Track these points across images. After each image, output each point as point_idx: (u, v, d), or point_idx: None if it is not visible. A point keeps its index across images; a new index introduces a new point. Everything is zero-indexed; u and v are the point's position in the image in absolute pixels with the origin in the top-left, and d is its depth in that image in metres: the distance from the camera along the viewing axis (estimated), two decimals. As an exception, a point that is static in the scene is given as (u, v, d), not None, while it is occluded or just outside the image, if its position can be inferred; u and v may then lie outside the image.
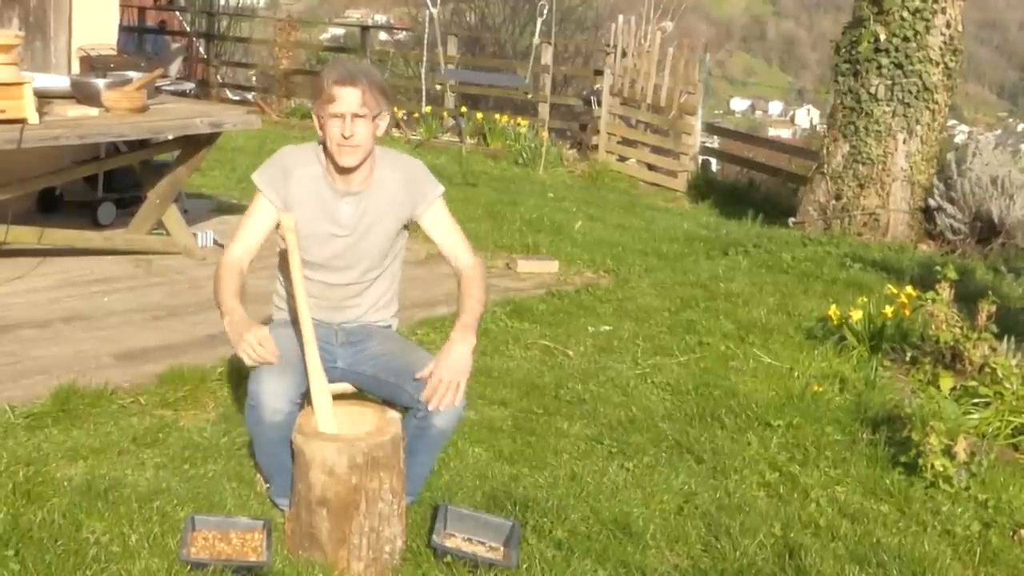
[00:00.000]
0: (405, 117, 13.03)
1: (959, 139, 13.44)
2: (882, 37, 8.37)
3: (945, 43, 8.40)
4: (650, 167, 11.93)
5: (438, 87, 13.18)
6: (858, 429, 4.22)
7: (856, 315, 5.15)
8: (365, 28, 15.73)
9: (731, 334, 5.38)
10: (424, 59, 12.54)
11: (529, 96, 12.95)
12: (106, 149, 6.46)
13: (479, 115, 12.97)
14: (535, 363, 4.86)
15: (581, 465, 3.77)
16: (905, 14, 8.32)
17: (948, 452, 3.75)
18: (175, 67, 9.18)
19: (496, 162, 11.75)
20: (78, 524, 3.03)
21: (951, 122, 15.40)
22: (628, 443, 3.99)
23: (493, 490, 3.47)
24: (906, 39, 8.33)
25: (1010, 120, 44.38)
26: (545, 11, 10.98)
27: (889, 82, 8.39)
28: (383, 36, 21.28)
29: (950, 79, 8.55)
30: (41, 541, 2.90)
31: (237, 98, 15.37)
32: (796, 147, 14.02)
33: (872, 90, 8.45)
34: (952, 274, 4.92)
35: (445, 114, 13.22)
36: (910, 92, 8.38)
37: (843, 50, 8.68)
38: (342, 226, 3.16)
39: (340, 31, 25.69)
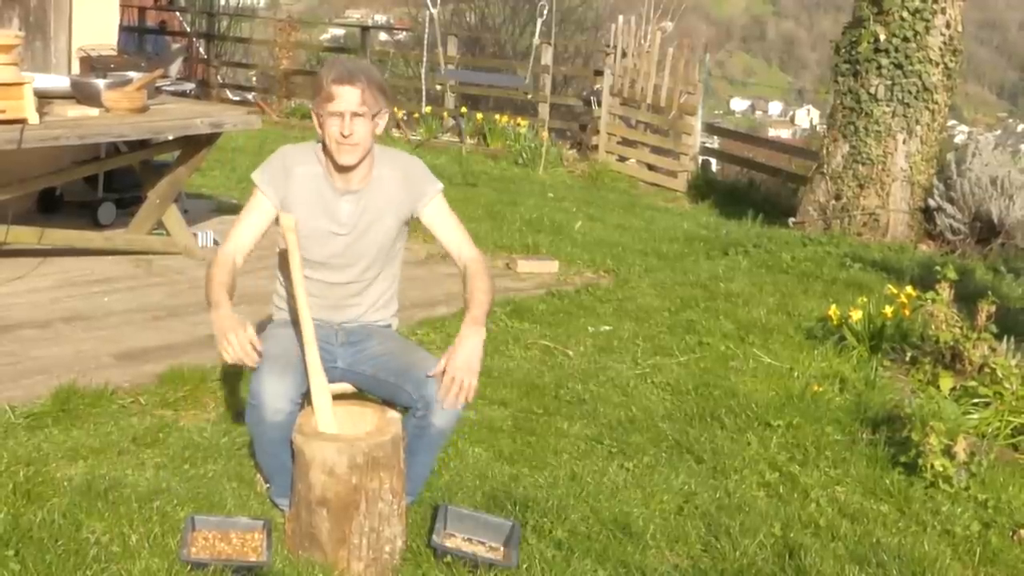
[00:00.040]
0: (405, 117, 13.03)
1: (959, 139, 13.45)
2: (882, 37, 8.37)
3: (945, 43, 8.40)
4: (650, 167, 11.93)
5: (438, 87, 13.18)
6: (858, 429, 4.22)
7: (856, 315, 5.15)
8: (365, 28, 15.74)
9: (731, 334, 5.38)
10: (424, 59, 12.53)
11: (529, 96, 12.96)
12: (106, 149, 6.46)
13: (479, 115, 12.98)
14: (535, 363, 4.86)
15: (581, 465, 3.77)
16: (905, 14, 8.32)
17: (948, 452, 3.75)
18: (175, 67, 9.20)
19: (496, 162, 11.75)
20: (78, 524, 3.03)
21: (951, 122, 15.41)
22: (628, 443, 3.99)
23: (493, 490, 3.47)
24: (906, 39, 8.33)
25: (1010, 120, 44.41)
26: (545, 11, 10.98)
27: (889, 82, 8.39)
28: (383, 36, 21.31)
29: (950, 79, 8.55)
30: (41, 541, 2.90)
31: (237, 98, 15.37)
32: (796, 147, 14.03)
33: (872, 90, 8.45)
34: (952, 274, 4.92)
35: (445, 114, 13.22)
36: (910, 92, 8.38)
37: (843, 50, 8.69)
38: (342, 224, 3.16)
39: (340, 31, 25.68)
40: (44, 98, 5.40)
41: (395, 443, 2.96)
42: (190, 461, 3.55)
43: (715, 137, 13.28)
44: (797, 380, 4.73)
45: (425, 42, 12.04)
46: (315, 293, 3.16)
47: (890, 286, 5.40)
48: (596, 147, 12.22)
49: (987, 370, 4.50)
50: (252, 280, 4.99)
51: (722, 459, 3.88)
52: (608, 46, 12.47)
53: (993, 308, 4.71)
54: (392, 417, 3.06)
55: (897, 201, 8.51)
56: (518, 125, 12.64)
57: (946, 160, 8.71)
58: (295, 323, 3.11)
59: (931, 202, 8.45)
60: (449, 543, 3.10)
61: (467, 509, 3.25)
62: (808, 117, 34.49)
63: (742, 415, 4.27)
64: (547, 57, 12.80)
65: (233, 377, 4.20)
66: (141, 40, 15.40)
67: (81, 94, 5.68)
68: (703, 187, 11.19)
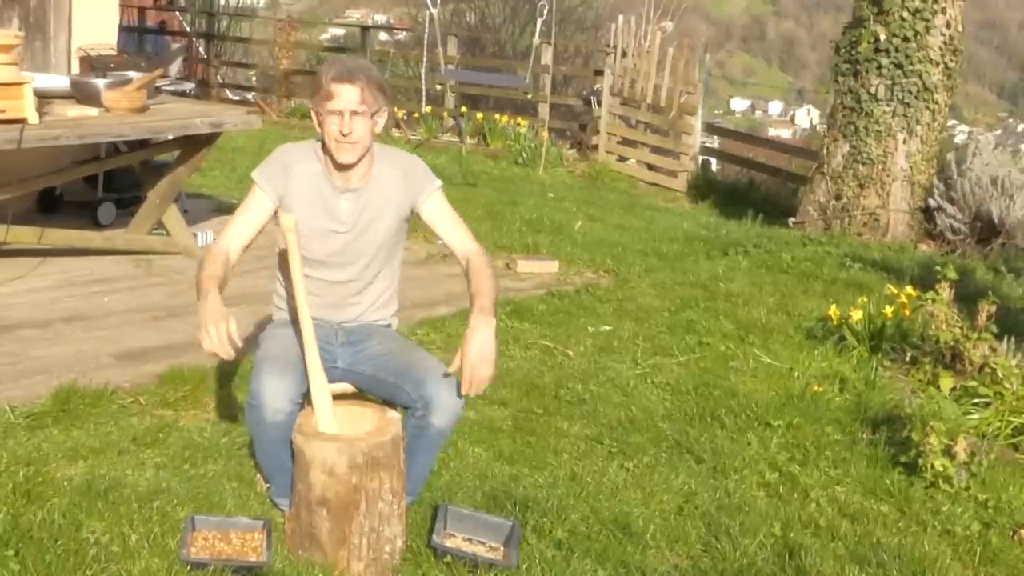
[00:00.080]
0: (405, 117, 13.03)
1: (959, 139, 13.45)
2: (882, 37, 8.37)
3: (945, 43, 8.40)
4: (650, 167, 11.93)
5: (438, 87, 13.18)
6: (858, 429, 4.22)
7: (856, 315, 5.15)
8: (365, 28, 15.74)
9: (731, 334, 5.38)
10: (424, 59, 12.52)
11: (529, 96, 12.95)
12: (106, 149, 6.46)
13: (479, 115, 12.97)
14: (535, 363, 4.86)
15: (581, 465, 3.77)
16: (905, 14, 8.32)
17: (948, 452, 3.75)
18: (175, 67, 9.19)
19: (496, 162, 11.75)
20: (78, 524, 3.03)
21: (951, 122, 15.40)
22: (628, 443, 3.99)
23: (493, 490, 3.47)
24: (906, 39, 8.33)
25: (1010, 120, 44.39)
26: (545, 11, 10.98)
27: (889, 82, 8.39)
28: (383, 36, 21.29)
29: (950, 79, 8.55)
30: (41, 541, 2.90)
31: (237, 98, 15.37)
32: (796, 147, 14.02)
33: (872, 90, 8.45)
34: (952, 274, 4.92)
35: (445, 114, 13.22)
36: (910, 92, 8.38)
37: (843, 50, 8.69)
38: (342, 222, 3.16)
39: (340, 31, 25.70)
40: (44, 98, 5.40)
41: (395, 443, 2.96)
42: (190, 461, 3.55)
43: (715, 137, 13.28)
44: (797, 380, 4.73)
45: (425, 42, 12.04)
46: (315, 292, 3.16)
47: (890, 286, 5.40)
48: (596, 147, 12.22)
49: (987, 370, 4.50)
50: (252, 280, 5.01)
51: (722, 459, 3.88)
52: (608, 46, 12.47)
53: (993, 308, 4.71)
54: (392, 417, 3.06)
55: (897, 201, 8.51)
56: (518, 125, 12.64)
57: (946, 160, 8.71)
58: (295, 323, 3.11)
59: (931, 202, 8.45)
60: (449, 543, 3.10)
61: (467, 509, 3.25)
62: (808, 117, 34.50)
63: (742, 415, 4.27)
64: (547, 57, 12.80)
65: (233, 377, 4.20)
66: (141, 40, 15.40)
67: (81, 94, 5.68)
68: (703, 187, 11.19)
